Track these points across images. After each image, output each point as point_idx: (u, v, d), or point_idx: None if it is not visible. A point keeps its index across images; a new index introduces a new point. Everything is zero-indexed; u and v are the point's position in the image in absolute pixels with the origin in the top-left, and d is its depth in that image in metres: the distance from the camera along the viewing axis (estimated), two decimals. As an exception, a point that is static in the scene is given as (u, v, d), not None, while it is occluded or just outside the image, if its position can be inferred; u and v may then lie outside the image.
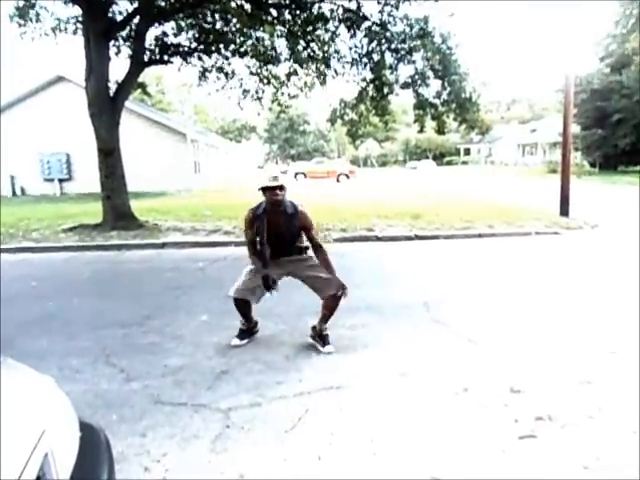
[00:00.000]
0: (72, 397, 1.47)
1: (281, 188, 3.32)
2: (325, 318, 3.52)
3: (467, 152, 64.92)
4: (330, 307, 3.49)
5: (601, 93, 30.94)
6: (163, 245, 8.20)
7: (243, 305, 3.56)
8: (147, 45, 10.39)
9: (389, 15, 10.07)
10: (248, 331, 3.69)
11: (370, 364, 3.28)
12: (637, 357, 3.30)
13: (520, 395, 2.80)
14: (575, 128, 28.48)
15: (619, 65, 31.48)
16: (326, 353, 3.43)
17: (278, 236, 3.43)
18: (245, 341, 3.64)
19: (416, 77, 10.56)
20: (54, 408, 1.31)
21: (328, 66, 11.25)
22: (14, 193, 20.06)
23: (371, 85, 11.01)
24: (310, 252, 3.59)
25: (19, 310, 4.60)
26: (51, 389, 1.37)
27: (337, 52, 11.12)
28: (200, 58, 11.41)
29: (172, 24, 10.83)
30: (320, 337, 3.53)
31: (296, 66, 11.52)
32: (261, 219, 3.43)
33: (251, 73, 11.78)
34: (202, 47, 11.09)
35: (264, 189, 3.35)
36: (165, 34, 10.88)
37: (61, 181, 20.32)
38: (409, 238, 8.52)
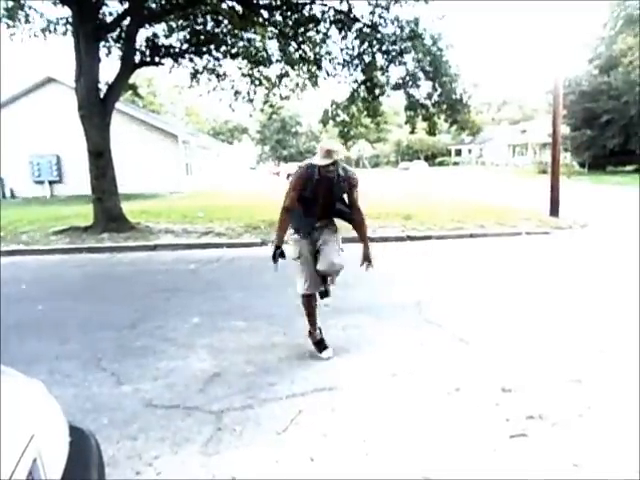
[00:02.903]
0: (63, 401, 1.46)
1: (334, 164, 3.20)
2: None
3: (458, 153, 65.34)
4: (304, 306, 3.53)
5: (590, 94, 31.27)
6: (155, 247, 8.15)
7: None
8: (138, 46, 10.33)
9: (380, 17, 10.12)
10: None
11: (363, 365, 3.29)
12: (626, 355, 3.34)
13: (511, 394, 2.82)
14: (564, 129, 28.77)
15: (607, 67, 31.85)
16: (326, 358, 3.40)
17: (330, 199, 3.35)
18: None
19: (407, 78, 10.62)
20: (43, 413, 1.30)
21: (319, 67, 11.27)
22: (3, 195, 19.87)
23: (362, 86, 11.05)
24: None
25: (9, 313, 4.54)
26: (40, 393, 1.36)
27: (328, 53, 11.15)
28: (191, 59, 11.38)
29: (163, 25, 10.79)
30: (316, 344, 3.49)
31: (287, 67, 11.54)
32: (312, 182, 3.26)
33: (243, 74, 11.77)
34: (193, 48, 11.05)
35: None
36: (156, 35, 10.83)
37: (51, 183, 20.16)
38: (401, 239, 8.55)
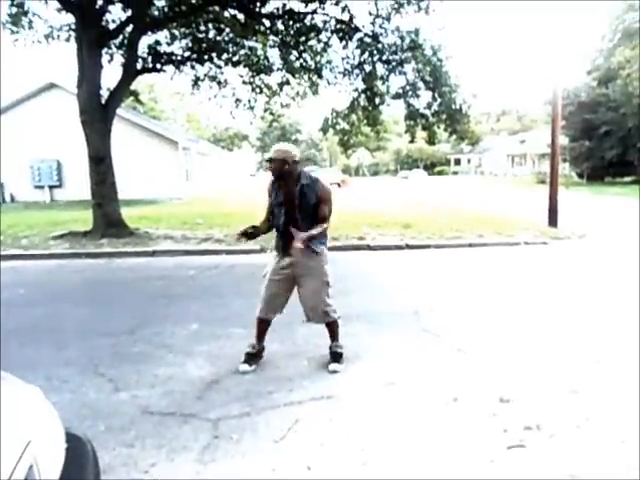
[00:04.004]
0: (60, 407, 1.46)
1: (283, 161, 3.12)
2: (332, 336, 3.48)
3: (457, 162, 65.64)
4: (329, 330, 3.47)
5: (588, 106, 31.50)
6: (154, 253, 8.15)
7: (263, 325, 3.43)
8: (140, 53, 10.40)
9: (381, 27, 10.21)
10: (257, 355, 3.44)
11: (360, 374, 3.28)
12: (623, 366, 3.33)
13: (509, 405, 2.82)
14: (563, 140, 28.90)
15: (606, 79, 32.10)
16: (331, 371, 3.33)
17: (291, 208, 3.20)
18: (254, 367, 3.36)
19: (407, 88, 10.68)
20: (40, 419, 1.30)
21: (320, 76, 11.35)
22: (3, 200, 19.86)
23: (363, 95, 11.11)
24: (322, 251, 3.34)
25: (7, 318, 4.52)
26: (37, 399, 1.36)
27: (329, 62, 11.23)
28: (193, 67, 11.46)
29: (165, 33, 10.88)
30: (331, 355, 3.45)
31: (288, 76, 11.62)
32: (275, 188, 3.27)
33: (244, 82, 11.85)
34: (195, 56, 11.13)
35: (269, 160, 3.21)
36: (158, 42, 10.91)
37: (51, 188, 20.17)
38: (400, 247, 8.56)
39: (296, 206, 3.19)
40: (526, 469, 2.22)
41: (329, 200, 3.25)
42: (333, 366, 3.36)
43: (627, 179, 32.15)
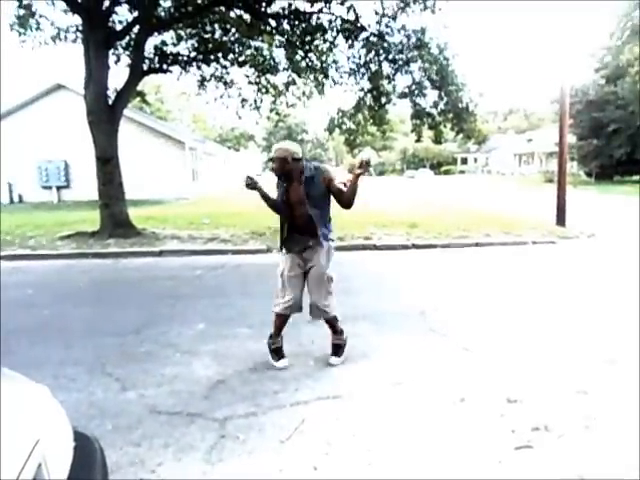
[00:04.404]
0: (67, 406, 1.47)
1: (284, 160, 3.14)
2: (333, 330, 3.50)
3: (464, 161, 65.41)
4: (329, 325, 3.50)
5: (596, 104, 31.26)
6: (160, 253, 8.18)
7: (283, 321, 3.43)
8: (146, 54, 10.45)
9: (387, 26, 10.19)
10: (281, 348, 3.47)
11: (367, 373, 3.27)
12: (633, 366, 3.30)
13: (517, 405, 2.80)
14: (571, 138, 28.72)
15: (614, 76, 31.85)
16: (330, 364, 3.40)
17: (299, 204, 3.22)
18: (287, 359, 3.43)
19: (413, 87, 10.66)
20: (48, 418, 1.30)
21: (326, 76, 11.35)
22: (12, 200, 20.04)
23: (369, 95, 11.10)
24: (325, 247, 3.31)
25: (15, 318, 4.57)
26: (45, 398, 1.37)
27: (335, 62, 11.23)
28: (199, 67, 11.50)
29: (171, 33, 10.93)
30: (332, 347, 3.50)
31: (294, 75, 11.64)
32: (281, 186, 3.30)
33: (250, 82, 11.87)
34: (201, 56, 11.17)
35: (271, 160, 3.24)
36: (164, 43, 10.96)
37: (59, 188, 20.33)
38: (406, 247, 8.53)
39: (304, 200, 3.20)
40: (534, 470, 2.20)
41: (333, 177, 3.24)
42: (332, 359, 3.43)
43: (636, 177, 31.83)
